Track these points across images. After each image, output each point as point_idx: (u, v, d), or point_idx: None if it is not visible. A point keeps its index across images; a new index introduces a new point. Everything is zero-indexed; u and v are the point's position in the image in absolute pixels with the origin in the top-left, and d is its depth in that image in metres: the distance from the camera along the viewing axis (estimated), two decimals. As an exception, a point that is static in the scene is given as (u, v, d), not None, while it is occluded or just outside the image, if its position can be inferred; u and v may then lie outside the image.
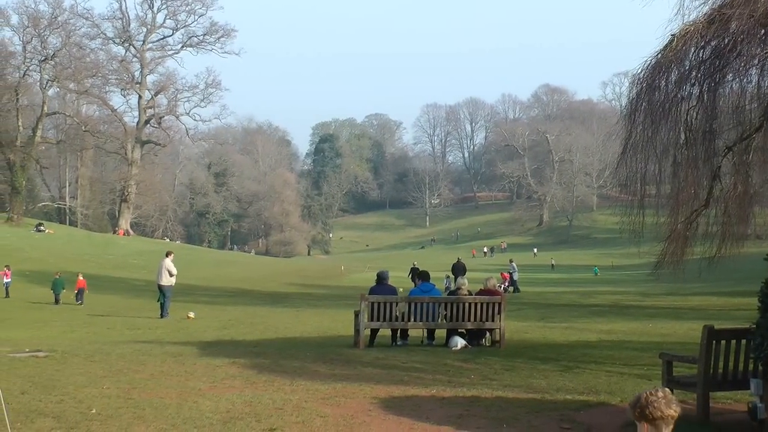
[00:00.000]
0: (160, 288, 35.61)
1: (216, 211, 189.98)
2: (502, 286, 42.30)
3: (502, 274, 61.29)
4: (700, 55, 15.37)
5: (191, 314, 34.98)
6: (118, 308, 41.04)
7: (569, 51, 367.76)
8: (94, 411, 12.34)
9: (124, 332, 28.28)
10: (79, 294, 45.62)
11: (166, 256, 36.77)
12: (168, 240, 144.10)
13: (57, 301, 44.71)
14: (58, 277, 46.58)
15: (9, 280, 48.48)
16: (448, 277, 56.39)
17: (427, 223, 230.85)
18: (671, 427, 5.45)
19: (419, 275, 24.15)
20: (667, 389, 5.52)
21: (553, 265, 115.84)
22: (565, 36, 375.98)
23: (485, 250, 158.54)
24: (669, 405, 5.41)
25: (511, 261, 68.18)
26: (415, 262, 75.88)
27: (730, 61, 15.17)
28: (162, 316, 34.78)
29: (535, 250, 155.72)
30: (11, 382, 14.47)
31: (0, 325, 27.68)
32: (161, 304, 35.49)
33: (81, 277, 46.92)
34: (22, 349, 20.36)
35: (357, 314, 21.63)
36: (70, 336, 26.93)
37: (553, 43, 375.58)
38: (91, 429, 11.20)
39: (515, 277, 61.13)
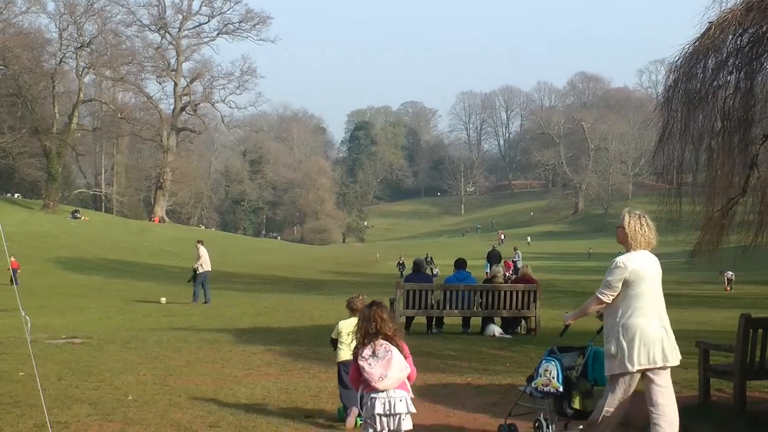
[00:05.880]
0: (205, 275, 35.48)
1: (251, 199, 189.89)
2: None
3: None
4: (738, 42, 15.22)
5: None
6: (153, 295, 41.20)
7: (605, 38, 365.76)
8: (130, 397, 12.43)
9: (160, 319, 28.36)
10: (13, 275, 46.24)
11: (202, 243, 36.54)
12: (203, 227, 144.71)
13: None
14: None
15: None
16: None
17: (462, 211, 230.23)
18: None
19: (455, 264, 24.01)
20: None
21: (590, 253, 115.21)
22: (600, 23, 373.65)
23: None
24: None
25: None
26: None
27: (767, 49, 15.03)
28: (206, 302, 34.63)
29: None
30: (48, 369, 14.58)
31: (37, 311, 27.78)
32: (203, 291, 35.31)
33: (13, 259, 47.45)
34: (59, 335, 20.48)
35: (392, 302, 21.61)
36: (106, 323, 27.06)
37: (589, 30, 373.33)
38: (127, 415, 11.26)
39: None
